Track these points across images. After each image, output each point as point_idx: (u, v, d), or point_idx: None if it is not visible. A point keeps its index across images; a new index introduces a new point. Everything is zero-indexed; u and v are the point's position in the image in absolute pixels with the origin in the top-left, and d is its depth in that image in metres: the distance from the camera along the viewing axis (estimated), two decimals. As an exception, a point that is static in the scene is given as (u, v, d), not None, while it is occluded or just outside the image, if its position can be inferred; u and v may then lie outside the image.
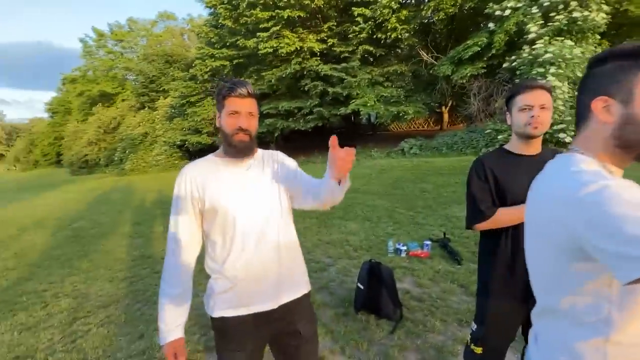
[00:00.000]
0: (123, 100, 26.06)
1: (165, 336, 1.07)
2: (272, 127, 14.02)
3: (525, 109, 1.27)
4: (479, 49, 9.75)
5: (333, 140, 0.91)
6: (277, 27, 12.59)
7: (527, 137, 1.29)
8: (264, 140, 15.77)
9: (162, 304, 1.09)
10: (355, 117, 17.39)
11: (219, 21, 14.59)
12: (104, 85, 27.18)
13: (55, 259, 4.64)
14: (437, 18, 11.00)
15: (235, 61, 14.57)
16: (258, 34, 12.63)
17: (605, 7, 8.58)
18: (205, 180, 1.09)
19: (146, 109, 22.50)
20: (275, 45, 12.60)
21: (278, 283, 1.11)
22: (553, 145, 8.43)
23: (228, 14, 13.63)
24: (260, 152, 1.21)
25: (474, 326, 1.46)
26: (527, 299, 1.31)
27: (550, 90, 1.31)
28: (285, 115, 13.72)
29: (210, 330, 2.48)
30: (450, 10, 10.72)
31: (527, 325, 1.42)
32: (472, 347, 1.44)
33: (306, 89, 12.87)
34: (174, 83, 18.70)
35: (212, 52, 14.79)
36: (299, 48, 12.79)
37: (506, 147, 1.39)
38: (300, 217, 5.19)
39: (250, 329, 1.11)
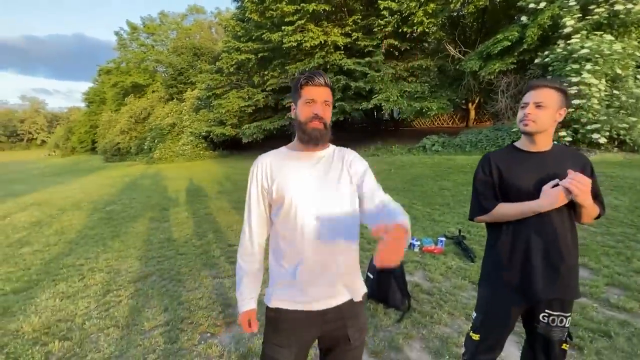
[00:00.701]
0: (153, 91, 27.13)
1: (241, 305, 1.18)
2: (293, 121, 14.19)
3: (523, 106, 1.32)
4: (510, 43, 9.37)
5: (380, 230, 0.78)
6: (302, 21, 12.64)
7: (524, 134, 1.34)
8: (286, 134, 15.98)
9: (239, 277, 1.19)
10: (378, 113, 17.22)
11: (246, 15, 14.82)
12: (136, 77, 28.36)
13: (90, 237, 5.04)
14: (466, 11, 10.64)
15: (260, 54, 14.78)
16: (283, 27, 12.74)
17: (652, -1, 7.98)
18: (274, 171, 1.12)
19: (174, 100, 23.34)
20: (299, 38, 12.66)
21: (335, 283, 1.10)
22: (586, 146, 8.03)
23: (254, 7, 13.82)
24: (332, 147, 1.21)
25: (474, 314, 1.52)
26: (524, 292, 1.36)
27: (562, 90, 1.31)
28: (307, 109, 13.81)
29: (228, 308, 2.67)
30: (481, 3, 10.33)
31: (528, 318, 1.47)
32: (471, 334, 1.51)
33: (329, 83, 12.86)
34: (201, 75, 19.24)
35: (238, 46, 15.08)
36: (323, 42, 12.79)
37: (516, 144, 1.43)
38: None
39: (302, 326, 1.11)
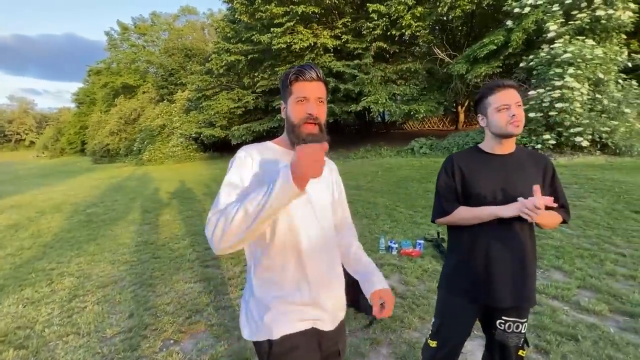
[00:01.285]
0: (144, 92, 26.85)
1: (283, 177, 0.87)
2: (283, 123, 14.14)
3: (502, 108, 1.27)
4: (496, 47, 9.46)
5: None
6: (292, 23, 12.62)
7: (507, 137, 1.29)
8: (276, 136, 15.90)
9: (242, 204, 0.83)
10: (369, 115, 17.26)
11: (236, 16, 14.77)
12: (126, 78, 28.06)
13: (66, 241, 4.91)
14: (453, 15, 10.72)
15: (250, 56, 14.73)
16: (272, 29, 12.71)
17: (632, 5, 8.14)
18: (264, 166, 0.98)
19: (165, 101, 23.12)
20: (289, 40, 12.64)
21: (336, 300, 1.05)
22: (569, 148, 8.13)
23: (244, 9, 13.77)
24: None
25: (433, 320, 1.49)
26: (482, 298, 1.33)
27: (519, 89, 1.32)
28: (296, 110, 13.80)
29: (196, 313, 2.60)
30: (468, 7, 10.44)
31: (485, 324, 1.44)
32: (429, 341, 1.47)
33: (318, 85, 12.86)
34: (191, 77, 19.10)
35: (228, 47, 15.00)
36: (312, 44, 12.78)
37: (480, 145, 1.40)
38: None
39: (310, 353, 0.99)
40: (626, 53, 8.59)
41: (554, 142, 8.01)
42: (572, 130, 7.79)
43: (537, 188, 1.17)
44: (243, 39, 14.77)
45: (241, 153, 1.00)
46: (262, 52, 14.41)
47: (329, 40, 12.66)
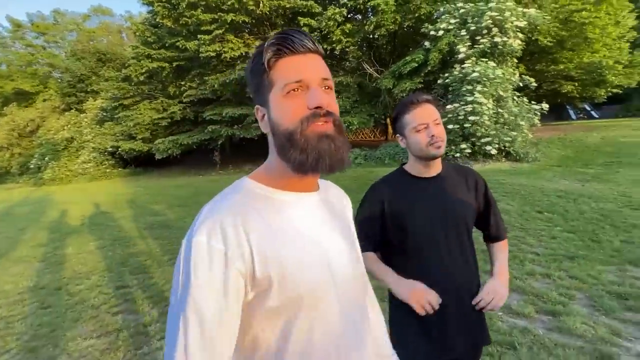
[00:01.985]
0: (44, 100, 23.07)
1: None
2: (215, 134, 13.34)
3: (421, 128, 1.11)
4: (417, 65, 10.33)
5: None
6: (221, 31, 12.09)
7: (430, 159, 1.14)
8: (208, 148, 14.95)
9: None
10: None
11: (158, 20, 13.63)
12: (20, 82, 23.84)
13: None
14: (379, 34, 11.46)
15: (175, 63, 13.68)
16: (200, 36, 12.00)
17: (520, 35, 9.65)
18: (263, 239, 0.55)
19: (73, 110, 20.12)
20: (218, 49, 12.08)
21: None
22: (481, 156, 9.14)
23: (166, 12, 12.79)
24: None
25: None
26: (439, 344, 1.15)
27: (435, 102, 1.17)
28: (230, 122, 13.16)
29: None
30: (391, 27, 11.25)
31: None
32: None
33: (251, 95, 12.51)
34: (105, 84, 16.98)
35: (149, 52, 13.71)
36: (244, 53, 12.42)
37: (406, 168, 1.23)
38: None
39: None
40: (518, 74, 10.12)
41: (469, 151, 8.93)
42: (483, 140, 8.79)
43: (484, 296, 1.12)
44: (167, 45, 13.68)
45: (200, 237, 0.52)
46: (189, 59, 13.51)
47: (261, 50, 12.43)
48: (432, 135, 1.10)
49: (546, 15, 10.74)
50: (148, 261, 4.14)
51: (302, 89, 0.57)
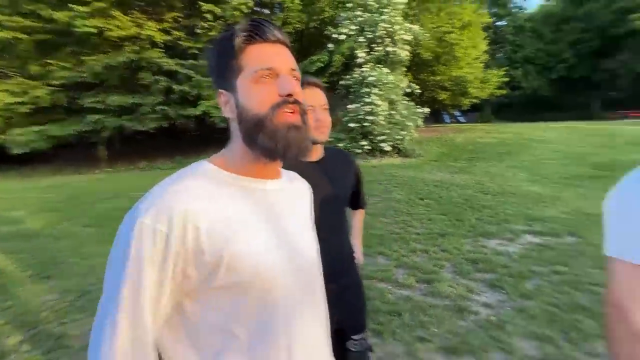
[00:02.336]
0: None
1: None
2: (98, 126, 11.39)
3: (308, 109, 1.15)
4: (323, 65, 10.87)
5: None
6: (103, 4, 10.34)
7: (313, 143, 1.12)
8: (89, 142, 12.67)
9: None
10: (209, 119, 16.36)
11: (9, -22, 10.80)
12: None
13: None
14: (286, 31, 11.59)
15: (36, 36, 11.08)
16: (73, 6, 10.00)
17: (407, 47, 11.11)
18: (217, 228, 0.54)
19: None
20: (100, 25, 10.30)
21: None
22: (378, 152, 10.23)
23: (23, -29, 10.25)
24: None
25: None
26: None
27: (323, 89, 1.17)
28: (117, 111, 11.40)
29: None
30: (298, 26, 11.54)
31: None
32: None
33: (146, 83, 11.10)
34: None
35: (-2, 19, 10.77)
36: (136, 34, 10.91)
37: None
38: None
39: None
40: (407, 81, 11.64)
41: (369, 147, 9.89)
42: (379, 138, 9.86)
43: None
44: (24, 12, 10.96)
45: (146, 220, 0.52)
46: (58, 33, 11.14)
47: (156, 33, 11.14)
48: (318, 120, 1.09)
49: (426, 33, 12.62)
50: (1, 280, 3.32)
51: (271, 76, 0.59)
